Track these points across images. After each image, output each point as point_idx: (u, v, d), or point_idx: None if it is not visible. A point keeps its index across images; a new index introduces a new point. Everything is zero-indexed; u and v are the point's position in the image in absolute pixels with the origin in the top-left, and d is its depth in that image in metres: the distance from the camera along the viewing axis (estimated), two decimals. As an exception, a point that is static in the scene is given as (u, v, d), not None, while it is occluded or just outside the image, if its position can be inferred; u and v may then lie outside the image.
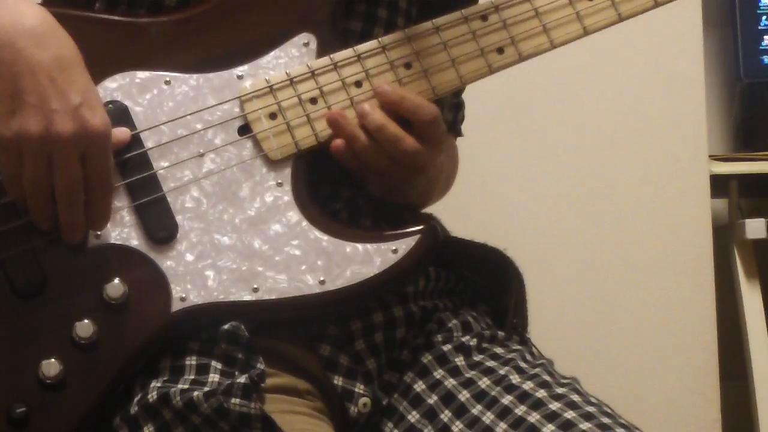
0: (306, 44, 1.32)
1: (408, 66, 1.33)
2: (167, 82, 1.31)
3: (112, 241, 1.27)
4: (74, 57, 1.24)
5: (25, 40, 1.22)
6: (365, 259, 1.28)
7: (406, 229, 1.30)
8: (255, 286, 1.27)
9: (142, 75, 1.31)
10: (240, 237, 1.28)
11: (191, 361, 1.25)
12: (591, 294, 2.78)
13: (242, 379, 1.19)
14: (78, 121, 1.21)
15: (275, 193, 1.29)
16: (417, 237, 1.29)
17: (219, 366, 1.24)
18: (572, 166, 2.80)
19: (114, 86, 1.30)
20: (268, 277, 1.27)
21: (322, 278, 1.27)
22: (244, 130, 1.30)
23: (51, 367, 1.23)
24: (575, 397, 1.27)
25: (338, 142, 1.31)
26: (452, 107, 1.56)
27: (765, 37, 3.15)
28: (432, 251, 1.31)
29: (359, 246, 1.28)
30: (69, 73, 1.23)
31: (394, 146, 1.30)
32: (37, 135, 1.20)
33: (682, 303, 2.78)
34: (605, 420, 1.24)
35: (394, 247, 1.28)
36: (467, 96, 1.59)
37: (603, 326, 2.77)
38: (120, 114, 1.28)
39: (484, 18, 1.35)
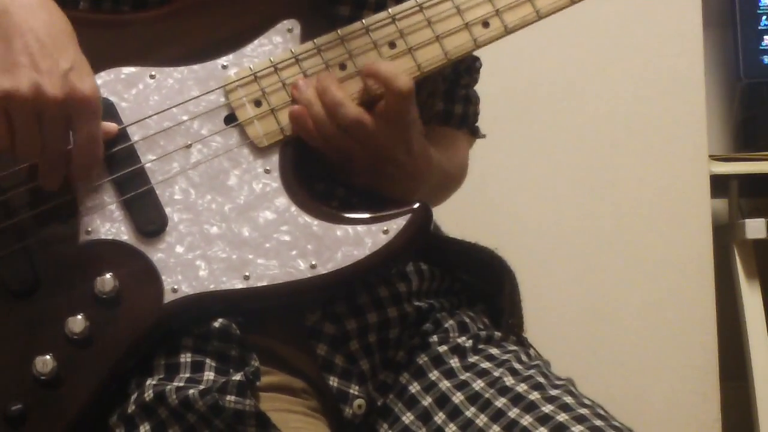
0: (290, 30, 1.32)
1: (392, 45, 1.32)
2: (152, 76, 1.31)
3: (103, 237, 1.27)
4: (65, 27, 1.26)
5: (19, 8, 1.24)
6: (356, 241, 1.27)
7: (396, 210, 1.29)
8: (246, 273, 1.26)
9: (127, 70, 1.31)
10: (229, 226, 1.28)
11: (186, 358, 1.25)
12: (591, 294, 2.78)
13: (237, 376, 1.20)
14: (67, 85, 1.22)
15: (263, 180, 1.29)
16: (407, 216, 1.29)
17: (213, 364, 1.24)
18: (572, 165, 2.80)
19: (100, 83, 1.29)
20: (258, 264, 1.27)
21: (313, 262, 1.27)
22: (231, 119, 1.30)
23: (45, 363, 1.23)
24: (568, 399, 1.27)
25: (297, 108, 1.30)
26: (461, 99, 1.56)
27: (765, 37, 3.15)
28: (423, 231, 1.30)
29: (349, 228, 1.28)
30: (59, 38, 1.24)
31: (335, 111, 1.28)
32: (26, 95, 1.21)
33: (682, 303, 2.78)
34: (598, 422, 1.23)
35: (385, 228, 1.28)
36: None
37: (603, 326, 2.77)
38: (106, 110, 1.28)
39: None
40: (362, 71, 1.31)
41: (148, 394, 1.20)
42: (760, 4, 3.16)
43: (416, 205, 1.30)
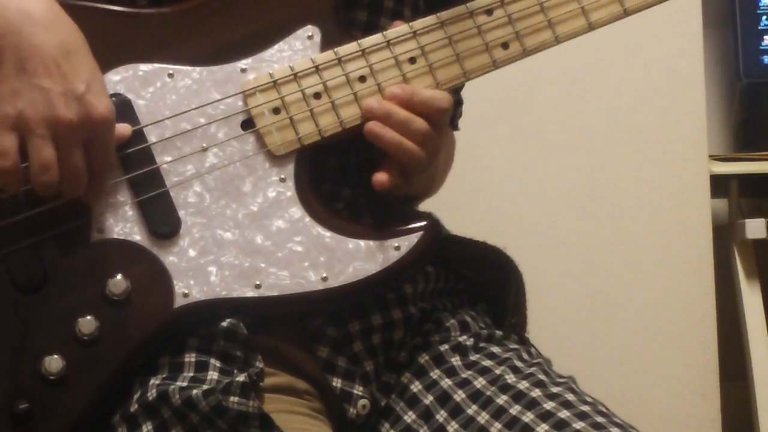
0: (310, 37, 1.32)
1: (412, 61, 1.33)
2: (170, 75, 1.30)
3: (115, 236, 1.26)
4: (80, 44, 1.24)
5: (32, 26, 1.21)
6: (368, 256, 1.27)
7: (408, 226, 1.30)
8: (257, 282, 1.26)
9: (144, 67, 1.30)
10: (242, 233, 1.28)
11: (190, 358, 1.24)
12: (591, 294, 2.78)
13: (241, 377, 1.20)
14: (82, 108, 1.21)
15: (278, 188, 1.29)
16: (419, 233, 1.29)
17: (218, 364, 1.24)
18: (572, 165, 2.80)
19: (117, 79, 1.29)
20: (270, 273, 1.27)
21: (324, 275, 1.27)
22: (248, 124, 1.30)
23: (54, 363, 1.22)
24: (570, 397, 1.27)
25: (372, 124, 1.32)
26: (455, 104, 1.56)
27: (765, 37, 3.15)
28: (434, 247, 1.31)
29: (362, 242, 1.28)
30: (75, 59, 1.22)
31: (407, 127, 1.30)
32: (41, 118, 1.19)
33: (682, 303, 2.78)
34: (599, 419, 1.24)
35: (396, 244, 1.28)
36: (467, 94, 1.60)
37: (603, 326, 2.77)
38: (123, 107, 1.28)
39: (489, 12, 1.34)
40: (402, 97, 1.32)
41: (151, 394, 1.20)
42: (760, 4, 3.16)
43: (427, 222, 1.31)
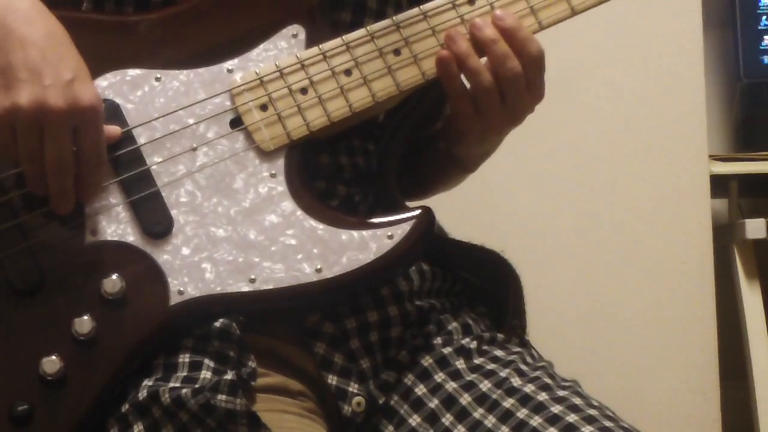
0: (295, 35, 1.33)
1: (397, 53, 1.33)
2: (158, 79, 1.31)
3: (108, 238, 1.27)
4: (64, 36, 1.25)
5: (17, 21, 1.23)
6: (361, 246, 1.28)
7: (400, 215, 1.30)
8: (252, 276, 1.27)
9: (132, 72, 1.31)
10: (235, 229, 1.28)
11: (184, 358, 1.25)
12: (591, 294, 2.78)
13: (229, 375, 1.20)
14: (70, 97, 1.21)
15: (269, 183, 1.29)
16: (412, 222, 1.29)
17: (212, 364, 1.24)
18: (572, 166, 2.80)
19: (105, 85, 1.30)
20: (264, 267, 1.27)
21: (318, 266, 1.27)
22: (236, 122, 1.30)
23: (51, 364, 1.23)
24: (577, 400, 1.27)
25: (445, 52, 1.32)
26: None
27: (765, 37, 3.16)
28: (427, 236, 1.31)
29: (355, 233, 1.28)
30: (60, 49, 1.23)
31: (502, 63, 1.31)
32: (30, 110, 1.20)
33: (682, 303, 2.79)
34: (607, 423, 1.24)
35: (389, 233, 1.28)
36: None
37: (603, 326, 2.77)
38: (112, 112, 1.28)
39: (471, 2, 1.35)
40: (507, 23, 1.33)
41: (142, 394, 1.20)
42: (760, 4, 3.16)
43: (420, 211, 1.31)
